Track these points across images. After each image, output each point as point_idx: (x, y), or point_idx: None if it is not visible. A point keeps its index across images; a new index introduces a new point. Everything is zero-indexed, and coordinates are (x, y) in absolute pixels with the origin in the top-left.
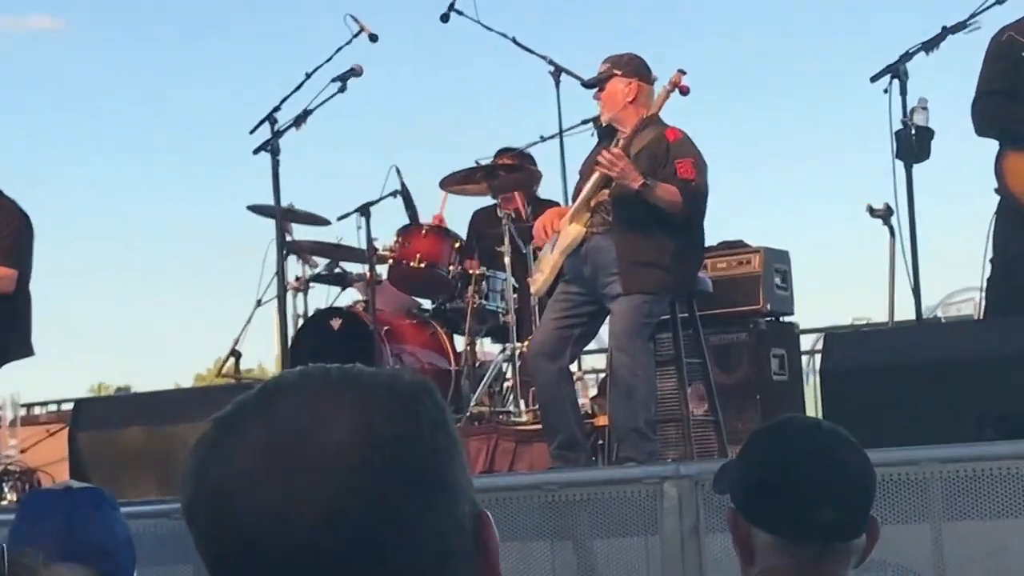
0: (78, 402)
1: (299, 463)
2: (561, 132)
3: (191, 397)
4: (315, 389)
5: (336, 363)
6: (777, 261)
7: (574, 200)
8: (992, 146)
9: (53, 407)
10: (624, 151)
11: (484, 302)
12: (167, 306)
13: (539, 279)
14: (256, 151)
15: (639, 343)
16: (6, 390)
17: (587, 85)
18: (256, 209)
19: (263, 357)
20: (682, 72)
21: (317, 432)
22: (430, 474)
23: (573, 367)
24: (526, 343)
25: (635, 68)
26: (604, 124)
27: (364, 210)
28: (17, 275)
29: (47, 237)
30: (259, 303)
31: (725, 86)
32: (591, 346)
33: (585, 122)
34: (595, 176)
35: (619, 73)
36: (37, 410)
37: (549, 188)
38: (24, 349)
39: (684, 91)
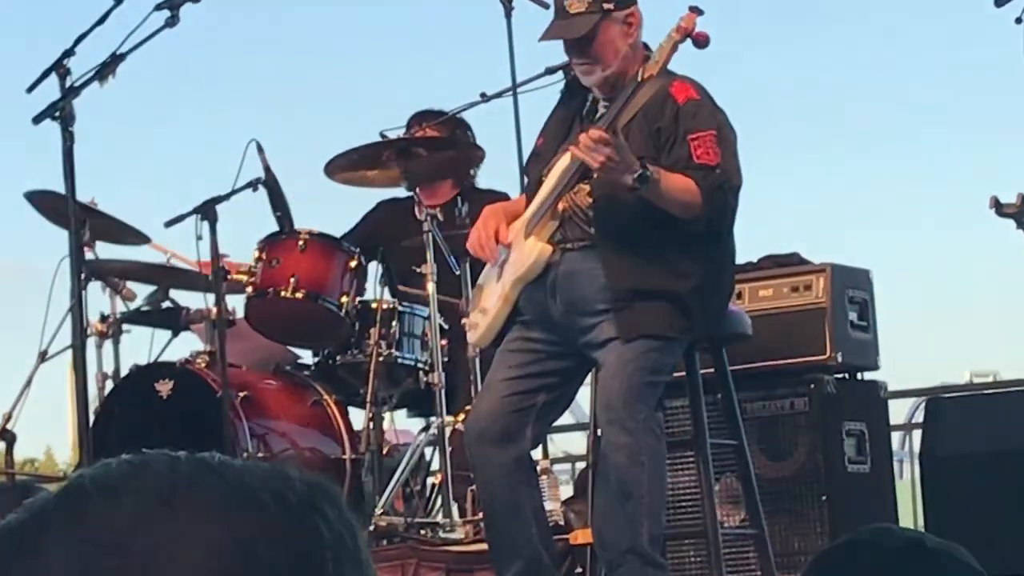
0: None
1: None
2: (515, 87)
3: None
4: (155, 493)
5: (168, 447)
6: (852, 286)
7: (529, 195)
8: None
9: None
10: (610, 127)
11: (396, 353)
12: None
13: (480, 322)
14: (37, 119)
15: (642, 414)
16: None
17: (546, 38)
18: (38, 208)
19: (52, 440)
20: (696, 11)
21: (161, 560)
22: None
23: (536, 454)
24: (462, 417)
25: None
26: (590, 84)
27: (207, 210)
28: None
29: None
30: (44, 357)
31: (764, 23)
32: (564, 419)
33: (551, 71)
34: (564, 162)
35: (611, 7)
36: None
37: (494, 173)
38: None
39: (701, 41)
